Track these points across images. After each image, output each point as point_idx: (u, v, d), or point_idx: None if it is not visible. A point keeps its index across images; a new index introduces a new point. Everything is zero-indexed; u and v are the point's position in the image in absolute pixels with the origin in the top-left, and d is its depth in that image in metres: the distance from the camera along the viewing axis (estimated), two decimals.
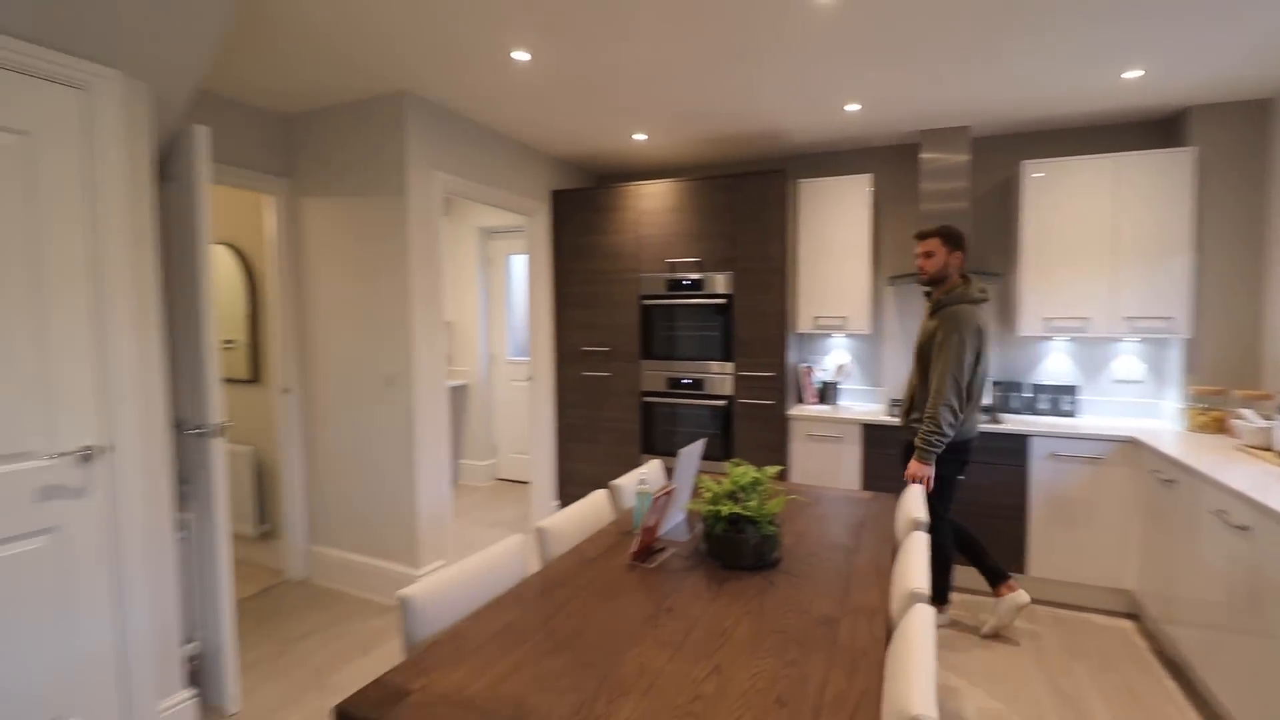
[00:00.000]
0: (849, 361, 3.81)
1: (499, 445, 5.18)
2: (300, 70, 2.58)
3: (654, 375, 3.70)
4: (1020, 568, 2.97)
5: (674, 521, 1.98)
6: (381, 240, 2.93)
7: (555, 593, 1.51)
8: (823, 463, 3.35)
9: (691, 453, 1.91)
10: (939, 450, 2.38)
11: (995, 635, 2.65)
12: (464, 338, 5.05)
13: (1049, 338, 3.36)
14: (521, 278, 5.08)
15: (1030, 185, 3.12)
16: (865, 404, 3.73)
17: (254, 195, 3.19)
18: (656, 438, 3.73)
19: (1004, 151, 3.44)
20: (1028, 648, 2.58)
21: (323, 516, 3.24)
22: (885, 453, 3.21)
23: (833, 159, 3.83)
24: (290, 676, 2.38)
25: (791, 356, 3.55)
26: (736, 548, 1.65)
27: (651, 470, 2.45)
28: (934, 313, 2.50)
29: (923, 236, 2.53)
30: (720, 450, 3.56)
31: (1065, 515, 2.89)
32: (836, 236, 3.52)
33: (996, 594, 2.59)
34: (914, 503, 1.95)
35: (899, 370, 3.68)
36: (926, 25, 2.19)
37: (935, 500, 2.45)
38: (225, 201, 3.33)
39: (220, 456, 2.13)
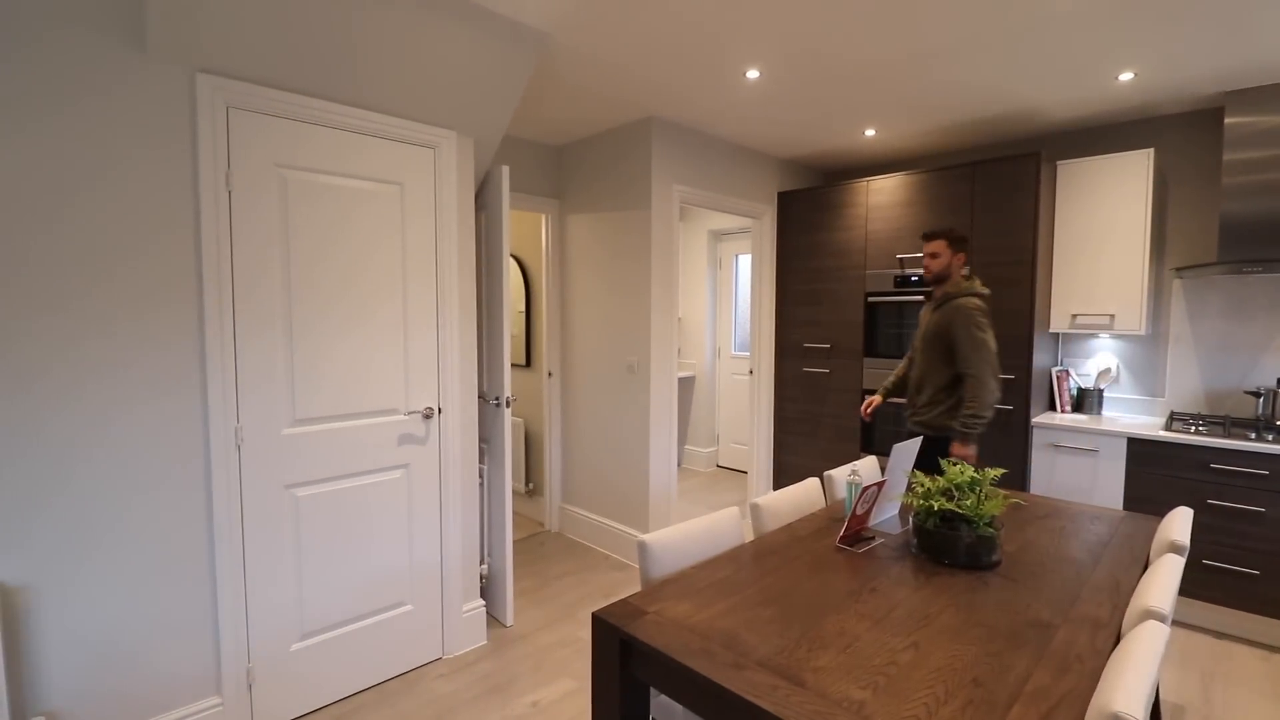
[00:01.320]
0: (1115, 366, 3.32)
1: (720, 434, 5.49)
2: (569, 109, 3.13)
3: (877, 374, 3.65)
4: None
5: (886, 515, 2.04)
6: (628, 248, 3.39)
7: (767, 559, 1.71)
8: (1072, 477, 3.00)
9: (907, 448, 1.95)
10: (980, 432, 2.49)
11: None
12: (692, 332, 5.45)
13: None
14: (747, 276, 5.31)
15: None
16: (1135, 415, 3.22)
17: (533, 215, 3.90)
18: (876, 436, 3.67)
19: None
20: None
21: (574, 480, 3.85)
22: (1157, 472, 2.77)
23: (1099, 135, 3.36)
24: (549, 606, 2.95)
25: (1041, 359, 3.22)
26: (949, 544, 1.67)
27: (865, 465, 2.50)
28: (938, 306, 2.65)
29: (929, 238, 2.67)
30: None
31: None
32: (1104, 223, 3.10)
33: None
34: (1178, 524, 1.74)
35: (1190, 379, 3.11)
36: None
37: None
38: (512, 221, 4.12)
39: (508, 423, 2.73)
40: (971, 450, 2.49)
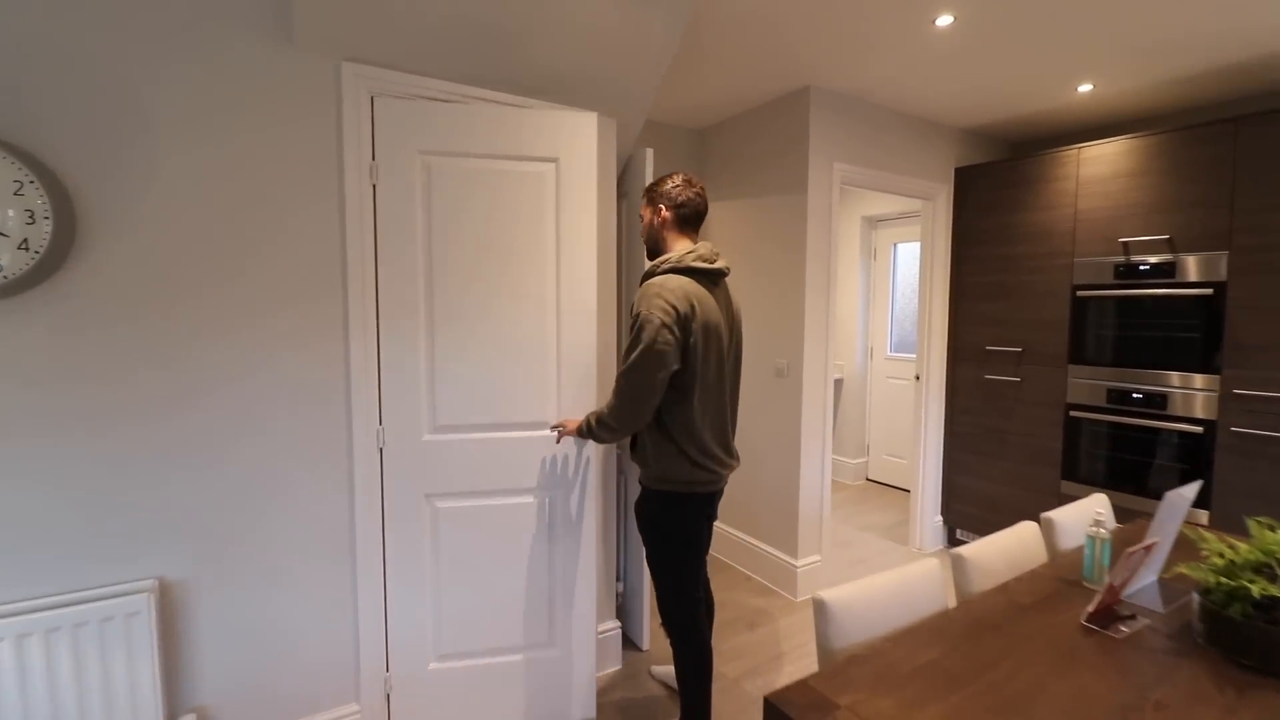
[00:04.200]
0: None
1: (871, 444, 4.94)
2: (714, 85, 2.82)
3: (1086, 384, 2.99)
4: None
5: (1142, 582, 1.54)
6: (779, 236, 3.03)
7: (986, 637, 1.31)
8: None
9: (1181, 500, 1.44)
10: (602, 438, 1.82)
11: None
12: (841, 330, 4.94)
13: None
14: (908, 268, 4.70)
15: None
16: None
17: None
18: (1083, 462, 3.01)
19: None
20: None
21: None
22: None
23: None
24: None
25: None
26: (1269, 644, 1.18)
27: (1101, 507, 1.96)
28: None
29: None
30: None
31: None
32: None
33: None
34: None
35: None
36: None
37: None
38: None
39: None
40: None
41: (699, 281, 1.69)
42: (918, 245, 4.56)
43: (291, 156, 1.72)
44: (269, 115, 1.68)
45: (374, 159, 1.81)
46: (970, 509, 3.51)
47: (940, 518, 3.64)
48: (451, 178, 1.87)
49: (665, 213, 1.78)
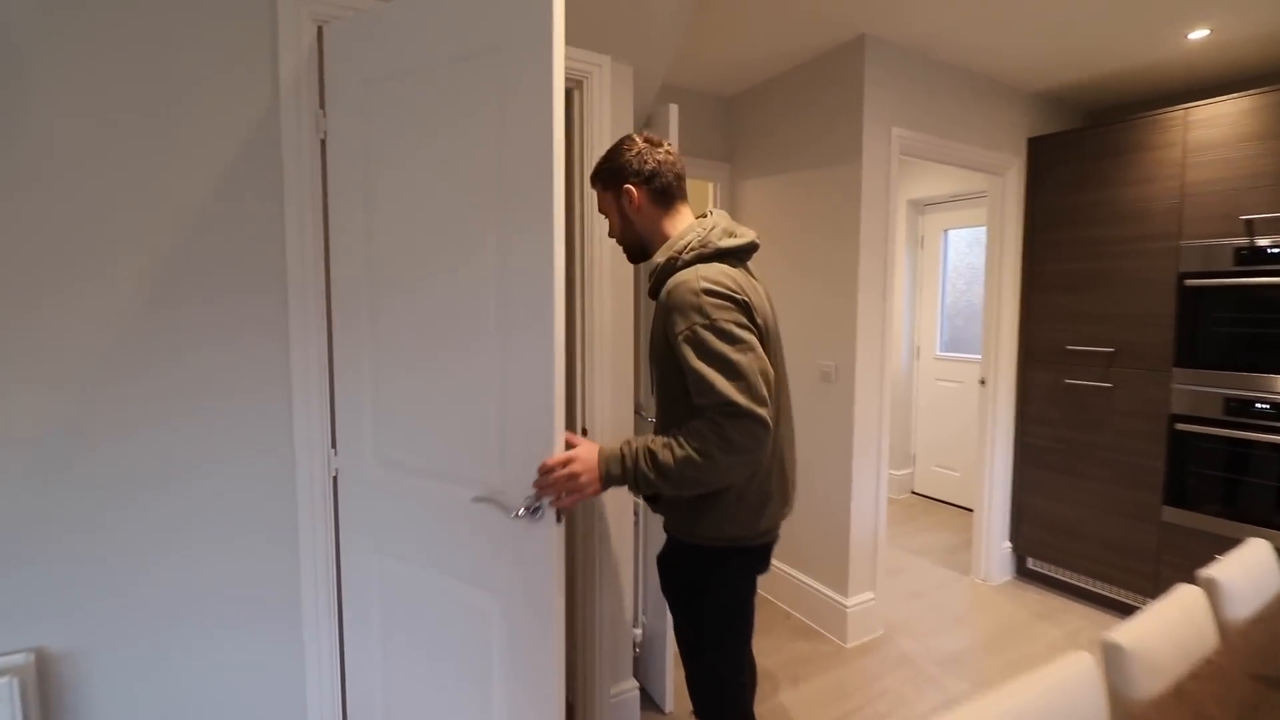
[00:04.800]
0: None
1: (917, 454, 4.45)
2: (747, 39, 2.37)
3: (1196, 392, 2.49)
4: None
5: None
6: (826, 216, 2.57)
7: None
8: None
9: None
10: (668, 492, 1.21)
11: None
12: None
13: None
14: (960, 257, 4.21)
15: None
16: None
17: (698, 184, 3.20)
18: (1192, 485, 2.52)
19: None
20: None
21: None
22: None
23: None
24: None
25: None
26: None
27: (1245, 561, 1.49)
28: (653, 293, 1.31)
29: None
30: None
31: None
32: None
33: None
34: None
35: None
36: None
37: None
38: None
39: None
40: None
41: (734, 266, 1.23)
42: (971, 231, 4.08)
43: (213, 106, 1.32)
44: (176, 65, 1.28)
45: (322, 107, 1.41)
46: (1045, 535, 3.03)
47: (1009, 543, 3.16)
48: (398, 108, 1.31)
49: (636, 192, 1.28)
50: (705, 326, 1.11)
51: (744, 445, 1.08)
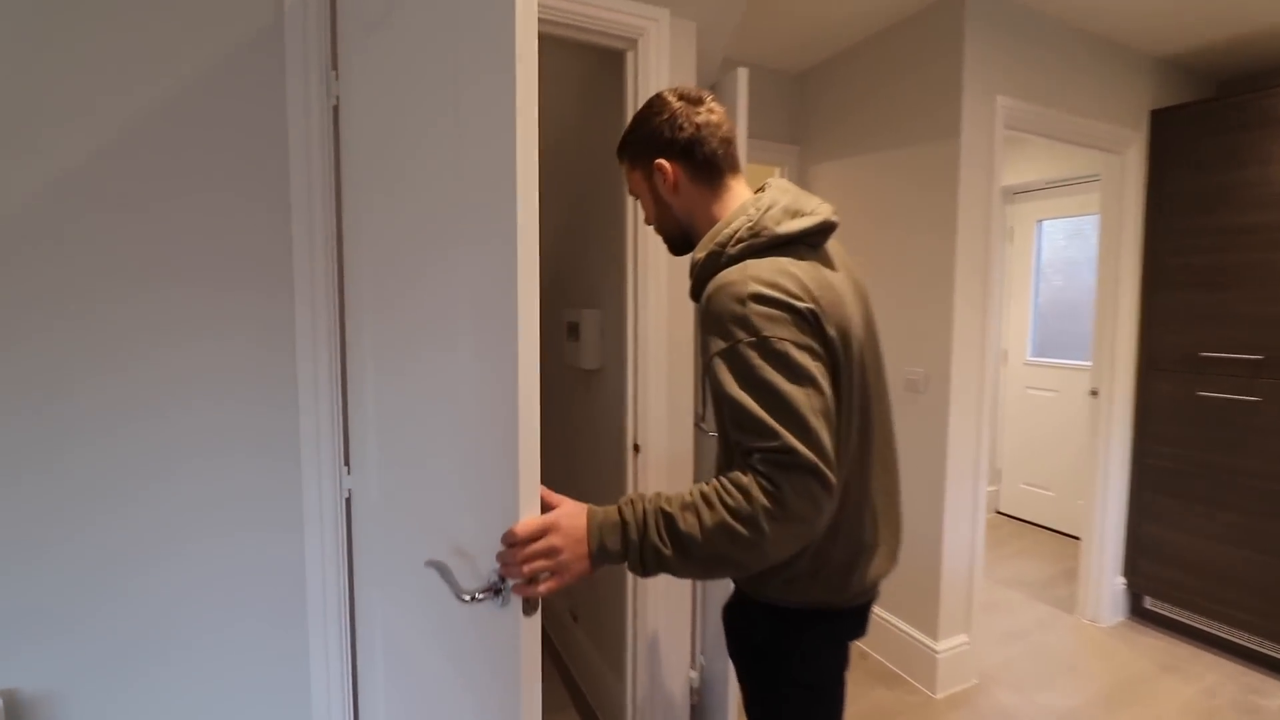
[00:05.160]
0: None
1: (1004, 470, 4.01)
2: (824, 3, 2.08)
3: None
4: None
5: None
6: (914, 202, 2.25)
7: None
8: None
9: None
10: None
11: None
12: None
13: None
14: (1055, 251, 3.76)
15: None
16: None
17: (762, 169, 2.92)
18: None
19: None
20: None
21: None
22: None
23: None
24: None
25: None
26: None
27: None
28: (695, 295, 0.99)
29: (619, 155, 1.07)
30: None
31: None
32: None
33: None
34: None
35: None
36: None
37: None
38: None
39: None
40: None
41: (803, 257, 0.91)
42: (1070, 222, 3.64)
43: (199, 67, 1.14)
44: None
45: (334, 66, 1.20)
46: (1168, 572, 2.59)
47: (1122, 579, 2.73)
48: (382, 60, 1.05)
49: (670, 168, 0.97)
50: (752, 345, 0.81)
51: (799, 510, 0.75)
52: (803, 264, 0.89)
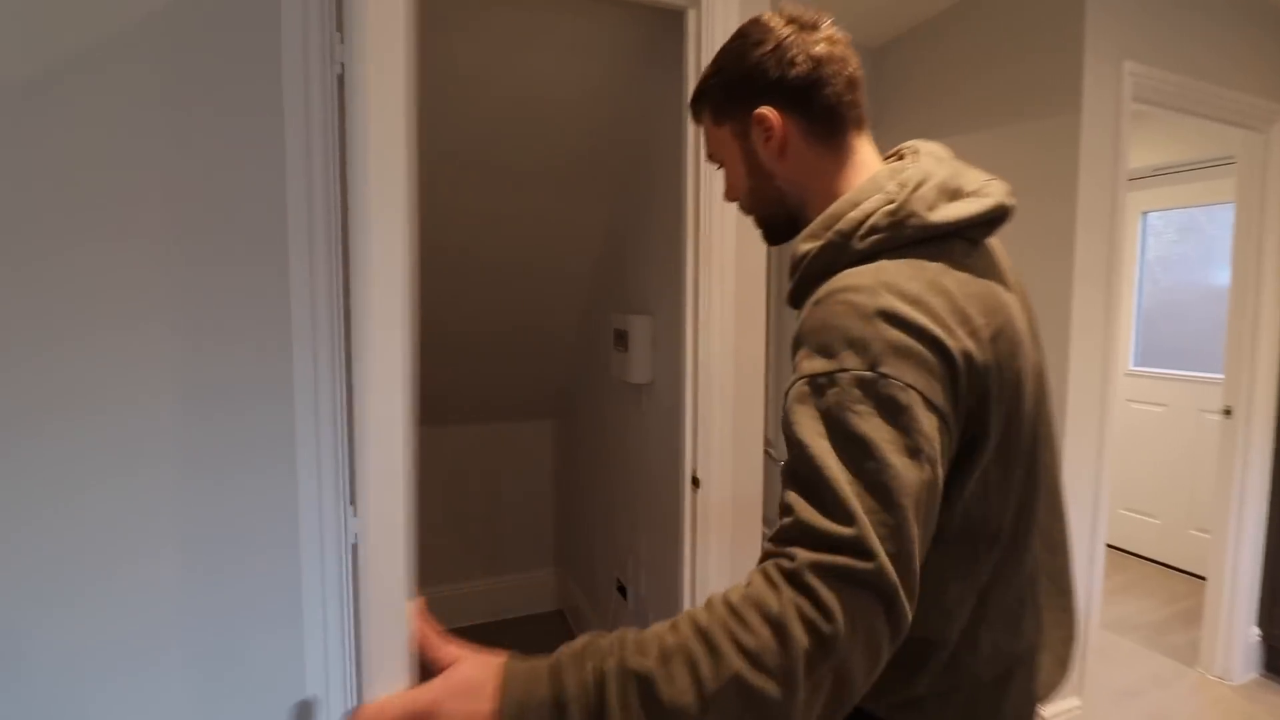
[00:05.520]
0: None
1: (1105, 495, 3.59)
2: None
3: None
4: None
5: None
6: (1024, 187, 1.92)
7: None
8: None
9: None
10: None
11: None
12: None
13: None
14: (1165, 247, 3.33)
15: None
16: None
17: None
18: None
19: None
20: None
21: None
22: None
23: None
24: None
25: None
26: None
27: None
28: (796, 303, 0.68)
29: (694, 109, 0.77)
30: None
31: None
32: None
33: None
34: None
35: None
36: None
37: None
38: None
39: None
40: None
41: (962, 261, 0.60)
42: (1182, 214, 3.22)
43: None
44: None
45: (339, 28, 1.00)
46: None
47: (1257, 630, 2.33)
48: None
49: (777, 120, 0.68)
50: (861, 380, 0.51)
51: (855, 660, 0.45)
52: (961, 276, 0.59)
